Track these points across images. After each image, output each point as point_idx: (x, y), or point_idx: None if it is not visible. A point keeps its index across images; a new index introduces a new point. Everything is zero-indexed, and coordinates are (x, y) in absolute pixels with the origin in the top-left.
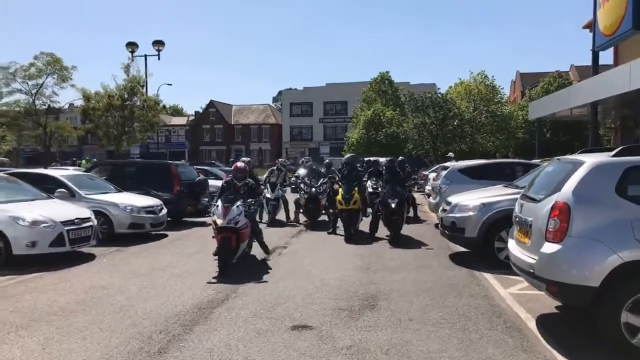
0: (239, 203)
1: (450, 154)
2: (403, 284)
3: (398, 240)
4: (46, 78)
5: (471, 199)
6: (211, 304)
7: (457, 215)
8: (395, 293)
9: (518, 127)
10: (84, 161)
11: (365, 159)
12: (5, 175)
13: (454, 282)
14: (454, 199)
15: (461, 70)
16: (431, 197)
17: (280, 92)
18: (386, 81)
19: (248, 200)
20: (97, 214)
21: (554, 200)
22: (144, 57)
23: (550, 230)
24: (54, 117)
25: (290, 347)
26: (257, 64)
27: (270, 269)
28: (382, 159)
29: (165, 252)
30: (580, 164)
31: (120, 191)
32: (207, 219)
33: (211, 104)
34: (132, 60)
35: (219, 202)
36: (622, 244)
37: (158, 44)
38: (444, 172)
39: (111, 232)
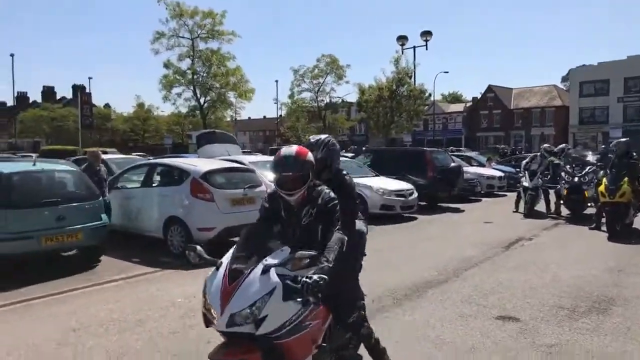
0: (275, 261)
1: None
2: None
3: None
4: (326, 77)
5: None
6: (429, 284)
7: None
8: None
9: None
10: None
11: None
12: None
13: None
14: None
15: None
16: None
17: (570, 71)
18: None
19: (312, 253)
20: None
21: None
22: (412, 49)
23: None
24: (330, 112)
25: (485, 335)
26: (543, 41)
27: (505, 258)
28: None
29: (408, 233)
30: None
31: (377, 175)
32: (461, 205)
33: (489, 89)
34: (402, 53)
35: (224, 261)
36: None
37: (426, 34)
38: None
39: (366, 212)
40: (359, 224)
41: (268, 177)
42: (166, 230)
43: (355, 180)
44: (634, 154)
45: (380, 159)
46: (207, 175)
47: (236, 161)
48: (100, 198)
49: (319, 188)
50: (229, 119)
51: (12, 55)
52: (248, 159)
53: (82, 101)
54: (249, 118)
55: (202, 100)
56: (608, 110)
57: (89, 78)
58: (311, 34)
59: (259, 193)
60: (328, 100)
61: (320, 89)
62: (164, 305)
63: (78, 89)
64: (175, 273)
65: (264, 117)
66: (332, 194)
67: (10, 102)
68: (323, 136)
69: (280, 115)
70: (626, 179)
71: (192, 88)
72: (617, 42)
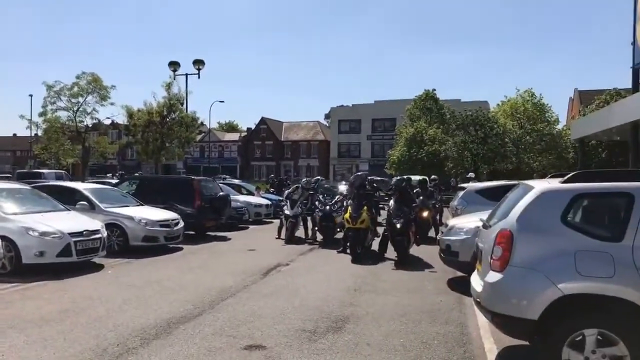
0: None
1: (471, 174)
2: (383, 307)
3: (404, 262)
4: (87, 96)
5: (468, 222)
6: (182, 319)
7: (452, 238)
8: (369, 317)
9: (569, 147)
10: (135, 175)
11: (407, 176)
12: (29, 188)
13: (437, 307)
14: (452, 221)
15: (522, 87)
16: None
17: (331, 109)
18: (431, 99)
19: None
20: (113, 226)
21: (500, 227)
22: (185, 76)
23: (494, 258)
24: (98, 134)
25: None
26: (310, 82)
27: (261, 286)
28: (415, 177)
29: (171, 265)
30: (529, 189)
31: (141, 205)
32: (229, 234)
33: (262, 120)
34: (174, 79)
35: None
36: (563, 275)
37: (198, 63)
38: (460, 193)
39: (126, 245)
40: None
41: (3, 208)
42: None
43: (114, 210)
44: (374, 184)
45: (146, 187)
46: None
47: None
48: None
49: None
50: None
51: None
52: None
53: None
54: None
55: None
56: (360, 146)
57: None
58: (72, 48)
59: None
60: (90, 121)
61: (81, 109)
62: None
63: None
64: None
65: (14, 134)
66: None
67: None
68: None
69: (36, 134)
70: (365, 207)
71: None
72: (369, 86)
